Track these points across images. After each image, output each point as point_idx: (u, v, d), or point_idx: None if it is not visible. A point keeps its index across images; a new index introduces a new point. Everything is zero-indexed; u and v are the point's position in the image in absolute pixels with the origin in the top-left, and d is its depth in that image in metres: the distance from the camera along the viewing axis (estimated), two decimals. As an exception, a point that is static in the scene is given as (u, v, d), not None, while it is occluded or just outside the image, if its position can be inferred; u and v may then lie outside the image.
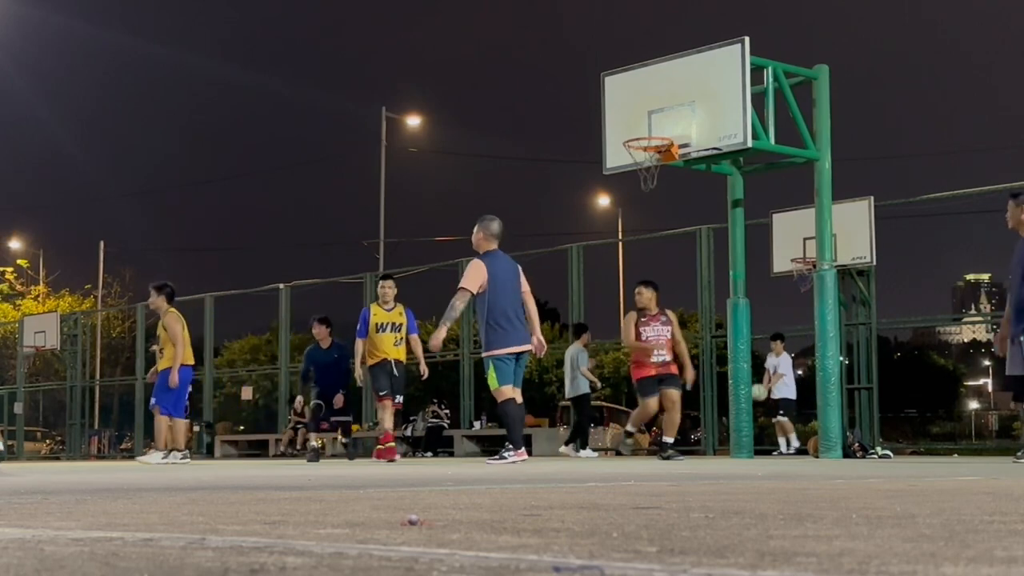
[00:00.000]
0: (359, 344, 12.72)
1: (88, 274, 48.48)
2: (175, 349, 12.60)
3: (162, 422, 12.78)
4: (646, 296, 12.15)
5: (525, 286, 9.93)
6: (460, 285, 9.77)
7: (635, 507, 3.21)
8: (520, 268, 9.99)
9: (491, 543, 2.10)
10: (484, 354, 9.70)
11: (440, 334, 9.73)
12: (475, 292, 9.60)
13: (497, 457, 9.75)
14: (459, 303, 9.71)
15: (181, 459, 12.66)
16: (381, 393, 12.57)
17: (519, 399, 9.70)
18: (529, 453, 19.21)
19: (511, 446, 9.53)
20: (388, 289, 12.89)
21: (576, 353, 16.75)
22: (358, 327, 12.77)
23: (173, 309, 12.99)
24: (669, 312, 12.27)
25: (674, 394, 12.01)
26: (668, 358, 12.03)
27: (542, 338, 9.98)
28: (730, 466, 9.25)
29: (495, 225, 9.87)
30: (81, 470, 10.12)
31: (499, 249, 9.91)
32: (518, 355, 9.62)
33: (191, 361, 12.93)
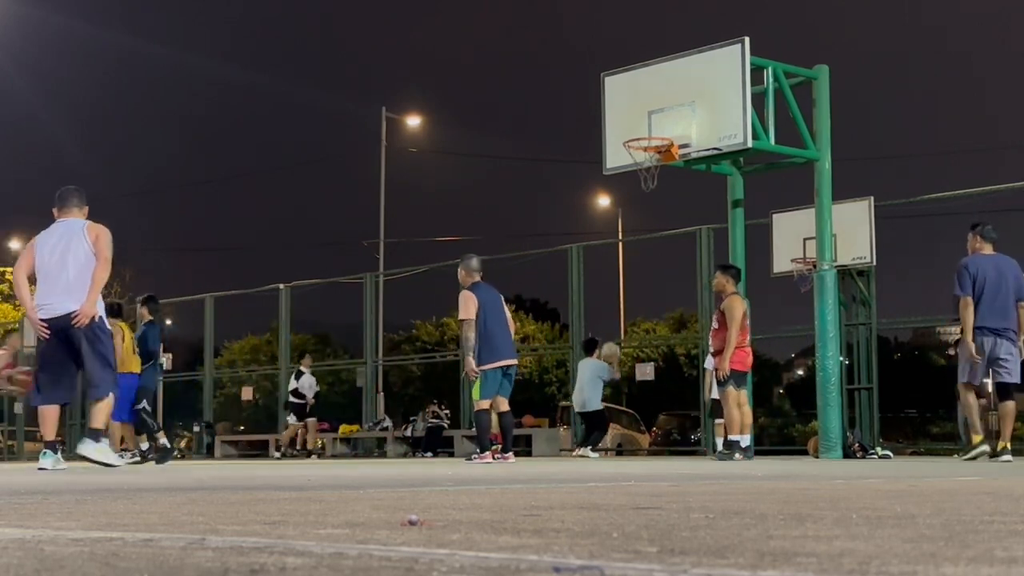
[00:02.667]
0: None
1: (88, 274, 48.36)
2: None
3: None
4: (715, 281, 11.93)
5: (507, 312, 11.44)
6: (460, 318, 11.28)
7: (635, 507, 3.21)
8: (501, 296, 11.47)
9: (491, 543, 2.10)
10: (478, 368, 11.07)
11: (470, 363, 11.10)
12: (475, 319, 11.03)
13: (468, 458, 11.59)
14: (469, 332, 11.10)
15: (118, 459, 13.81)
16: None
17: (504, 407, 11.24)
18: (529, 454, 19.32)
19: (479, 450, 11.20)
20: None
21: (591, 368, 16.51)
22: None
23: (114, 324, 14.20)
24: (728, 299, 11.55)
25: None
26: (712, 350, 11.89)
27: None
28: (730, 466, 9.25)
29: (474, 262, 11.43)
30: (81, 470, 10.12)
31: (481, 281, 11.36)
32: (505, 368, 11.10)
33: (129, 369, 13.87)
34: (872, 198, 15.69)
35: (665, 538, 2.18)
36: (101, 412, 9.06)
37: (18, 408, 29.09)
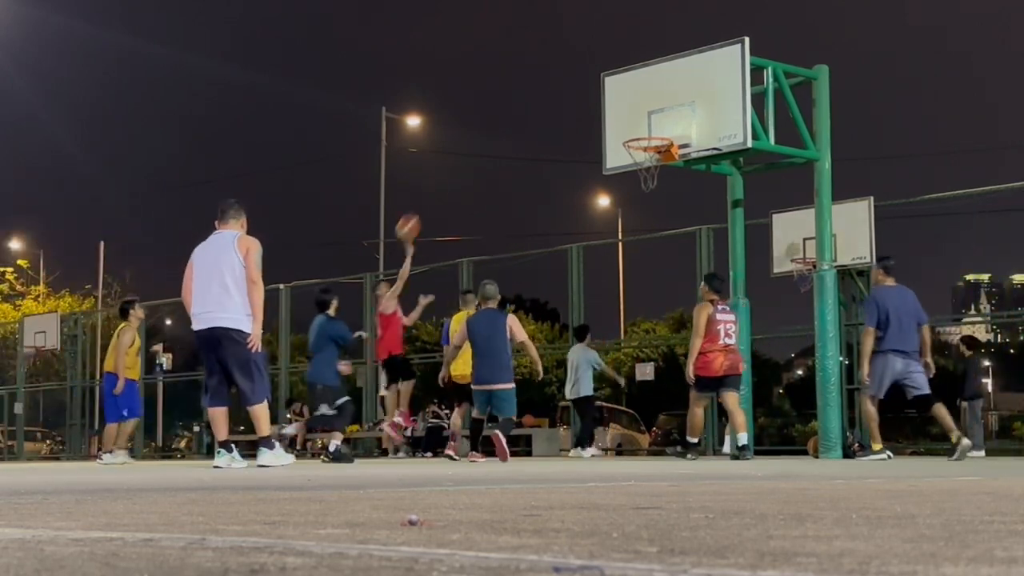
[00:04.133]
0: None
1: (88, 274, 48.35)
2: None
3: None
4: None
5: (519, 335, 11.84)
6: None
7: (635, 507, 3.21)
8: (509, 318, 11.95)
9: (491, 543, 2.10)
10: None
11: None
12: (459, 345, 12.57)
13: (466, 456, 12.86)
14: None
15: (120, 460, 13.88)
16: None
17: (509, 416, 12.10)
18: (529, 453, 19.31)
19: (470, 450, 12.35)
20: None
21: (582, 354, 16.84)
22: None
23: (123, 323, 14.15)
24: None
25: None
26: None
27: (539, 369, 12.66)
28: (730, 466, 9.25)
29: (487, 289, 12.17)
30: (81, 470, 10.12)
31: (491, 307, 12.01)
32: (487, 391, 11.83)
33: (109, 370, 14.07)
34: (872, 198, 15.68)
35: (665, 538, 2.18)
36: (261, 419, 9.38)
37: (18, 408, 29.10)
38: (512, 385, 11.94)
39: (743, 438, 11.91)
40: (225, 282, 9.11)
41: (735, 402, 12.02)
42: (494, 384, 11.78)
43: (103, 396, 14.20)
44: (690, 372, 11.89)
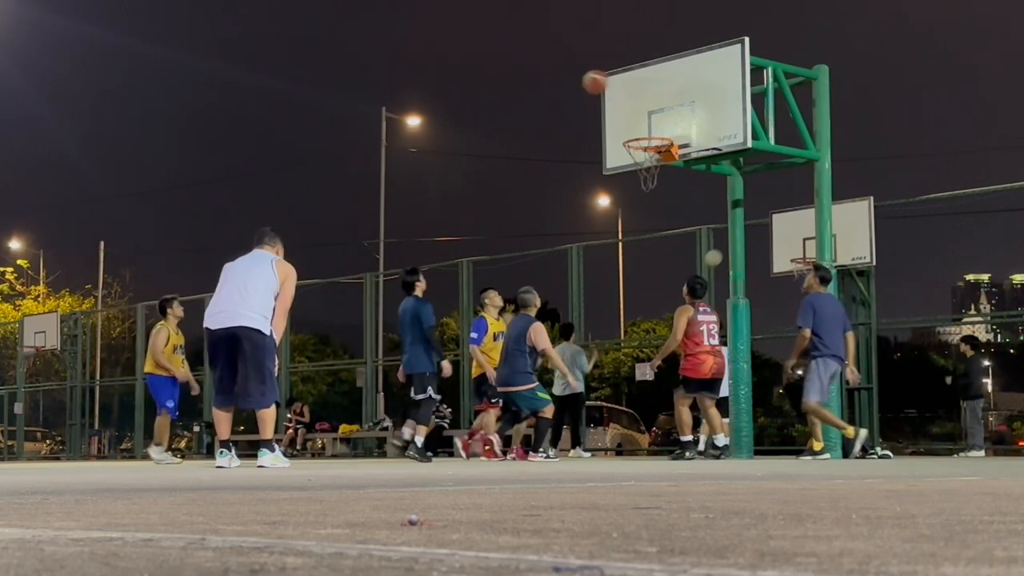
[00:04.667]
0: (476, 351, 13.50)
1: (88, 274, 48.34)
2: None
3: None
4: None
5: (539, 343, 12.24)
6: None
7: (635, 507, 3.21)
8: (532, 325, 12.33)
9: (491, 543, 2.10)
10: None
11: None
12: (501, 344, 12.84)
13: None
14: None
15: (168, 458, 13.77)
16: (494, 400, 13.25)
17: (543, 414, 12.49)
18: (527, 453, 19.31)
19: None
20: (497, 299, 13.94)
21: (573, 352, 16.79)
22: (476, 335, 13.59)
23: (160, 321, 14.11)
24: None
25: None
26: None
27: (573, 381, 13.98)
28: (730, 466, 9.25)
29: (521, 297, 12.71)
30: (81, 470, 10.13)
31: (523, 311, 12.63)
32: (508, 393, 12.36)
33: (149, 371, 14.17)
34: (872, 198, 15.68)
35: (665, 538, 2.18)
36: (268, 422, 9.48)
37: (18, 408, 29.11)
38: (527, 386, 12.28)
39: (721, 439, 12.45)
40: (251, 286, 9.26)
41: (711, 406, 12.47)
42: (511, 387, 12.30)
43: (151, 398, 14.28)
44: (655, 363, 13.00)
